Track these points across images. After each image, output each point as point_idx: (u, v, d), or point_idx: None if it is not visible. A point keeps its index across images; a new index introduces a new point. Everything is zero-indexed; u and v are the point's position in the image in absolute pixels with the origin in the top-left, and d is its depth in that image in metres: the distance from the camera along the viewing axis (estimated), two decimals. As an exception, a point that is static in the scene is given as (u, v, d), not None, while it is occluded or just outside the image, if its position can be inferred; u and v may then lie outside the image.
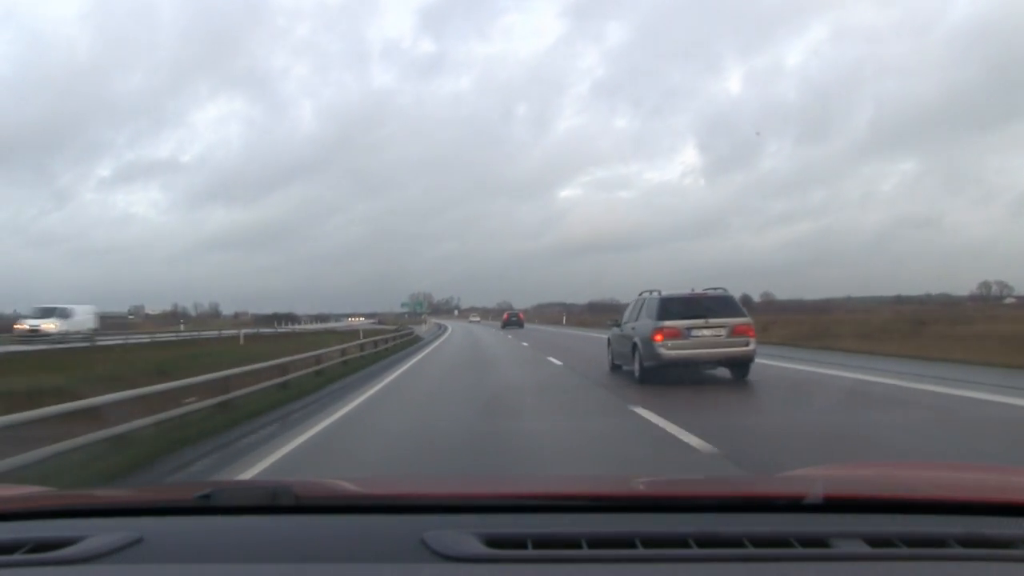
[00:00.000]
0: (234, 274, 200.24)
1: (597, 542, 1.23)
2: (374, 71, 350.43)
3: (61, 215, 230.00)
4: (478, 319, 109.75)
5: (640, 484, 1.81)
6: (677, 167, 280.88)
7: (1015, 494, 1.49)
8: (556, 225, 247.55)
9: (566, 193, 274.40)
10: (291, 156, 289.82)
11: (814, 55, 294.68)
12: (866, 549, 1.21)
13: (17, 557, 1.26)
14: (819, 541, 1.23)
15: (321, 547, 1.26)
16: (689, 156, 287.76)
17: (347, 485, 1.75)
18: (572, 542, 1.24)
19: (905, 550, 1.21)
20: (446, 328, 59.15)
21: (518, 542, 1.24)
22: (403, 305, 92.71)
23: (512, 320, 59.27)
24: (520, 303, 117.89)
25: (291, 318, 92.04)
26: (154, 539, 1.29)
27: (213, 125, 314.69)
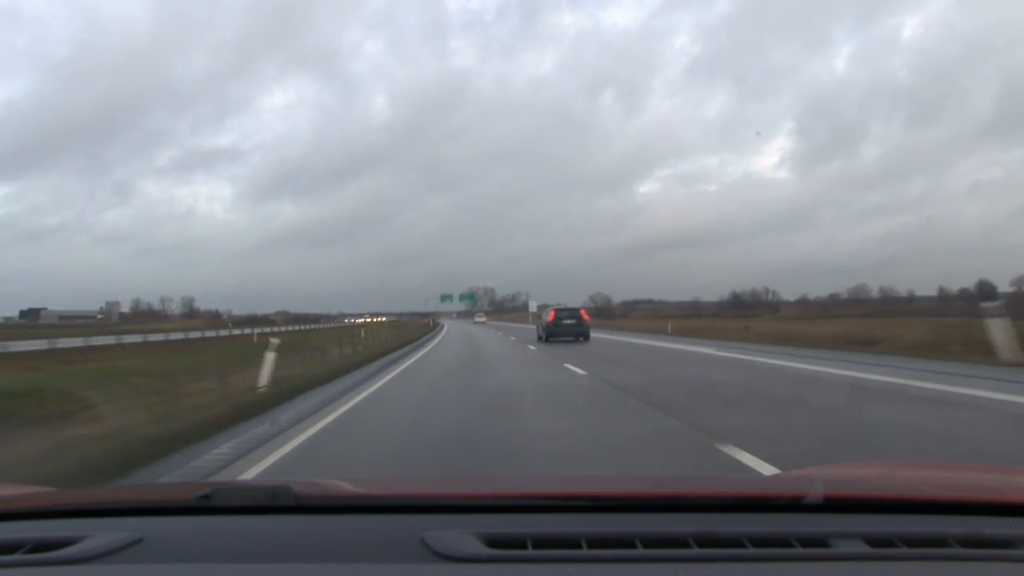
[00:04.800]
0: (292, 271, 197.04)
1: (597, 542, 1.24)
2: (453, 47, 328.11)
3: (122, 210, 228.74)
4: (484, 319, 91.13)
5: (640, 484, 1.81)
6: (769, 156, 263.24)
7: (1015, 494, 1.49)
8: (636, 220, 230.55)
9: (649, 186, 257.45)
10: (361, 146, 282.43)
11: (937, 25, 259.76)
12: (866, 549, 1.21)
13: (17, 557, 1.26)
14: (819, 541, 1.23)
15: (321, 547, 1.26)
16: (784, 143, 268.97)
17: (347, 485, 1.75)
18: (572, 542, 1.24)
19: (905, 550, 1.21)
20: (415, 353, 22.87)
21: (518, 542, 1.24)
22: (443, 299, 66.69)
23: (563, 324, 27.21)
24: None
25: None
26: (154, 539, 1.29)
27: (279, 112, 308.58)
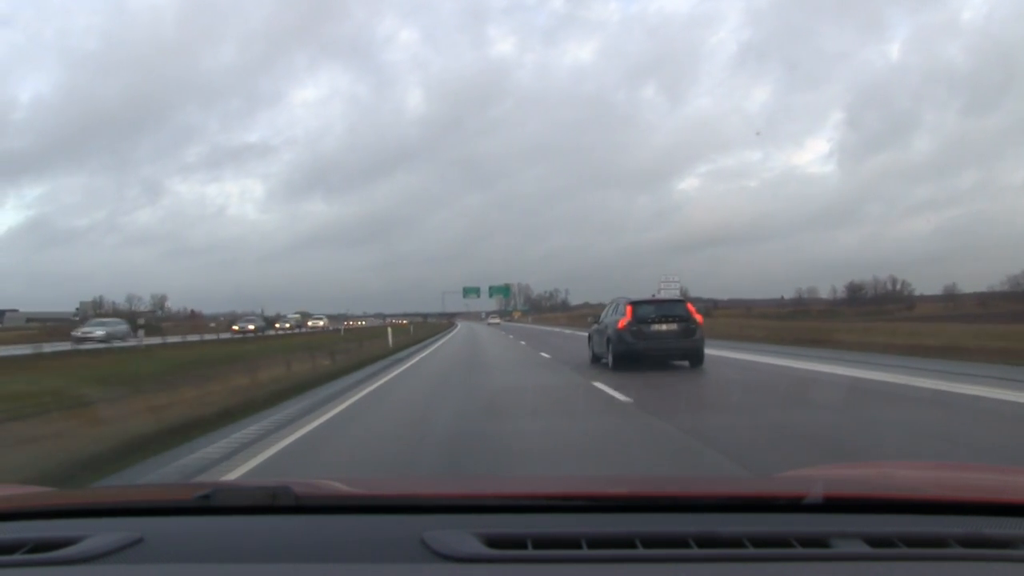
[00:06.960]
0: (321, 271, 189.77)
1: (597, 542, 1.24)
2: (492, 35, 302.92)
3: (153, 209, 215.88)
4: (497, 321, 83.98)
5: (640, 484, 1.81)
6: (815, 150, 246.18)
7: (1015, 494, 1.49)
8: (679, 216, 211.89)
9: (691, 181, 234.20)
10: (395, 141, 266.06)
11: (1002, 4, 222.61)
12: (866, 549, 1.21)
13: (17, 557, 1.26)
14: (819, 541, 1.23)
15: (321, 547, 1.26)
16: (833, 135, 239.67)
17: (347, 485, 1.75)
18: (572, 542, 1.24)
19: (905, 550, 1.21)
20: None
21: (518, 542, 1.24)
22: (467, 293, 51.78)
23: (652, 330, 13.67)
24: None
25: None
26: (154, 539, 1.29)
27: (311, 106, 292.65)
